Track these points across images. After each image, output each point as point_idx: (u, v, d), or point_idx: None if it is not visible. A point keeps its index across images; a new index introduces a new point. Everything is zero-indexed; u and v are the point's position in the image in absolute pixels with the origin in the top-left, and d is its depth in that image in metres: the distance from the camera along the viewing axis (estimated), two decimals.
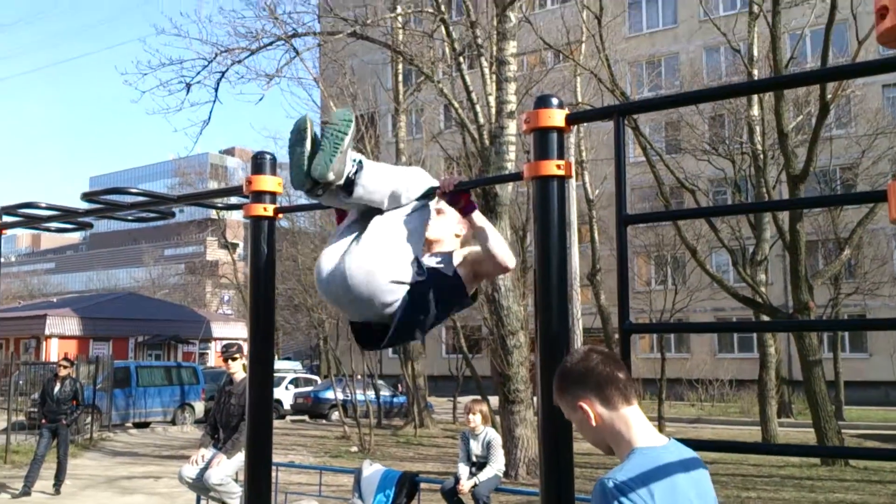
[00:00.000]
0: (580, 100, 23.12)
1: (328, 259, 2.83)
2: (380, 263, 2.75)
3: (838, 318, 25.87)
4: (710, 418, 25.97)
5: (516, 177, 3.05)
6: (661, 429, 19.57)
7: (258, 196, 3.53)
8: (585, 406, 1.97)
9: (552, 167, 2.75)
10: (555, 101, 2.82)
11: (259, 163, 3.59)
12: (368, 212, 2.93)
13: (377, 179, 2.86)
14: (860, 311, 29.33)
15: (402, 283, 2.77)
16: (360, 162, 2.87)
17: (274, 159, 3.64)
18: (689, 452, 1.99)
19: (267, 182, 3.54)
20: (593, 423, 1.97)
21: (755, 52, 18.49)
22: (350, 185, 2.82)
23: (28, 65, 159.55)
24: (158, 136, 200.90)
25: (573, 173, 2.81)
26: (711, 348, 34.92)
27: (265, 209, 3.50)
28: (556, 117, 2.77)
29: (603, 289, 23.51)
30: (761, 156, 18.09)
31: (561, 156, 2.80)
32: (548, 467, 2.72)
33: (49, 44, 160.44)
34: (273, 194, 3.56)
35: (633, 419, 1.98)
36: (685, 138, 25.99)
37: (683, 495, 1.83)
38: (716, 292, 21.23)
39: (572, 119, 2.83)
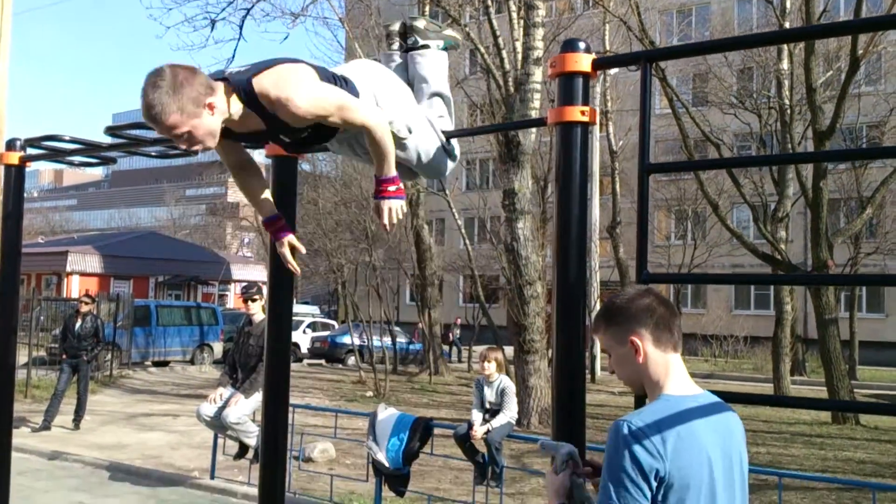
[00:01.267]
0: (608, 48, 22.75)
1: None
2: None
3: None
4: (723, 374, 26.05)
5: (539, 122, 3.01)
6: None
7: None
8: (637, 340, 1.96)
9: (576, 113, 2.70)
10: (582, 45, 2.75)
11: None
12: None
13: (439, 70, 3.18)
14: (879, 270, 29.08)
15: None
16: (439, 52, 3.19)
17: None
18: (719, 405, 1.97)
19: None
20: (640, 360, 1.96)
21: (787, 4, 18.05)
22: (415, 48, 3.11)
23: None
24: None
25: (597, 121, 2.76)
26: (728, 304, 34.87)
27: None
28: (582, 62, 2.71)
29: (622, 241, 23.40)
30: (788, 111, 17.79)
31: (586, 102, 2.74)
32: (560, 417, 2.72)
33: None
34: None
35: (674, 366, 1.97)
36: (712, 91, 25.55)
37: (699, 446, 1.82)
38: (735, 248, 21.10)
39: (599, 64, 2.76)
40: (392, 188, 2.65)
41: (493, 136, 14.75)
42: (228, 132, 2.57)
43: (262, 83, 2.40)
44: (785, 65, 17.98)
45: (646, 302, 1.99)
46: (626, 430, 1.80)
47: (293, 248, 2.87)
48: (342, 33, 23.87)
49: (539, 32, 12.29)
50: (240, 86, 2.41)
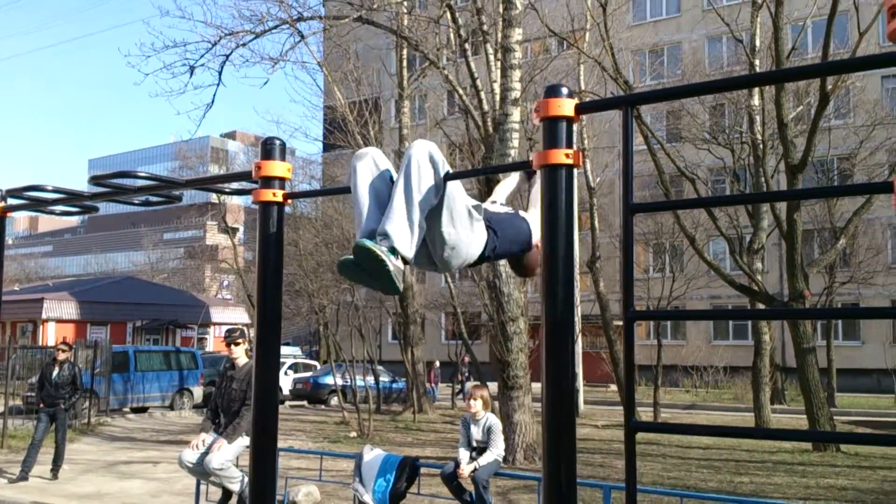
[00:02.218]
0: (583, 87, 23.11)
1: None
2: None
3: (832, 306, 26.02)
4: (704, 404, 26.16)
5: (525, 165, 3.08)
6: (655, 415, 19.64)
7: (267, 181, 3.53)
8: None
9: (561, 156, 2.78)
10: (564, 90, 2.84)
11: (269, 148, 3.60)
12: None
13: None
14: (854, 299, 29.48)
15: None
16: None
17: (283, 145, 3.65)
18: None
19: (277, 167, 3.55)
20: None
21: (757, 43, 18.48)
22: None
23: (29, 45, 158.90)
24: (159, 119, 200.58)
25: (581, 162, 2.84)
26: (707, 335, 35.09)
27: (274, 195, 3.51)
28: (565, 107, 2.79)
29: (602, 276, 23.56)
30: (761, 145, 18.12)
31: (570, 145, 2.83)
32: (551, 452, 2.75)
33: (50, 24, 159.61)
34: (282, 180, 3.57)
35: None
36: (686, 127, 26.00)
37: None
38: (712, 280, 21.32)
39: (582, 109, 2.85)
40: None
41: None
42: None
43: None
44: (756, 101, 18.36)
45: None
46: None
47: None
48: (321, 77, 24.06)
49: (516, 74, 12.51)
50: None
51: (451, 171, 3.03)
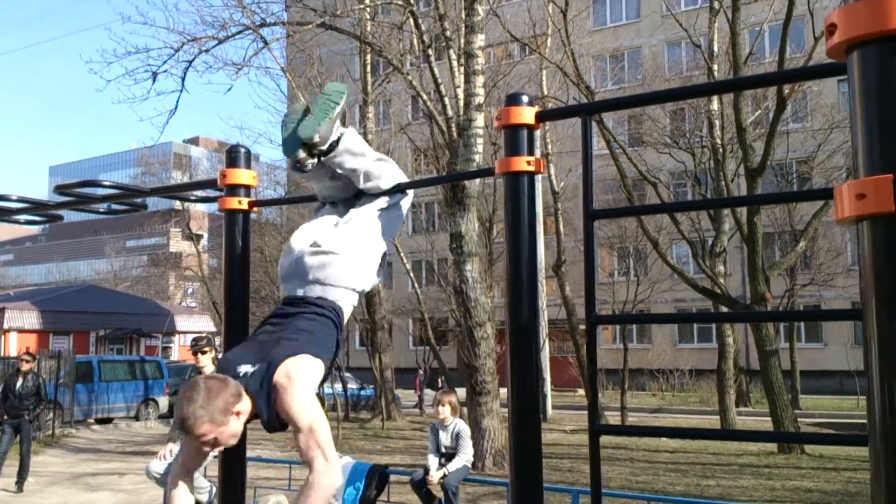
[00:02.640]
0: (545, 92, 23.31)
1: (303, 234, 3.02)
2: (354, 256, 2.95)
3: (794, 308, 26.45)
4: (670, 408, 26.43)
5: (488, 172, 3.14)
6: (623, 419, 19.77)
7: (233, 189, 3.56)
8: None
9: (523, 163, 2.84)
10: (525, 98, 2.90)
11: (234, 156, 3.62)
12: (343, 202, 3.13)
13: (360, 145, 3.04)
14: (815, 301, 29.97)
15: (355, 290, 3.01)
16: (345, 131, 3.02)
17: (248, 152, 3.68)
18: None
19: (242, 175, 3.58)
20: None
21: (715, 48, 18.80)
22: (333, 148, 2.95)
23: None
24: (120, 125, 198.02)
25: (543, 168, 2.90)
26: (672, 338, 35.45)
27: (240, 202, 3.54)
28: (526, 115, 2.85)
29: (568, 280, 23.75)
30: (720, 149, 18.43)
31: (531, 152, 2.89)
32: (517, 457, 2.81)
33: (8, 31, 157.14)
34: (248, 187, 3.60)
35: None
36: (647, 132, 26.30)
37: None
38: (676, 283, 21.58)
39: (542, 117, 2.92)
40: None
41: None
42: None
43: (278, 376, 2.61)
44: (715, 105, 18.66)
45: None
46: None
47: None
48: (284, 82, 23.97)
49: (479, 80, 12.60)
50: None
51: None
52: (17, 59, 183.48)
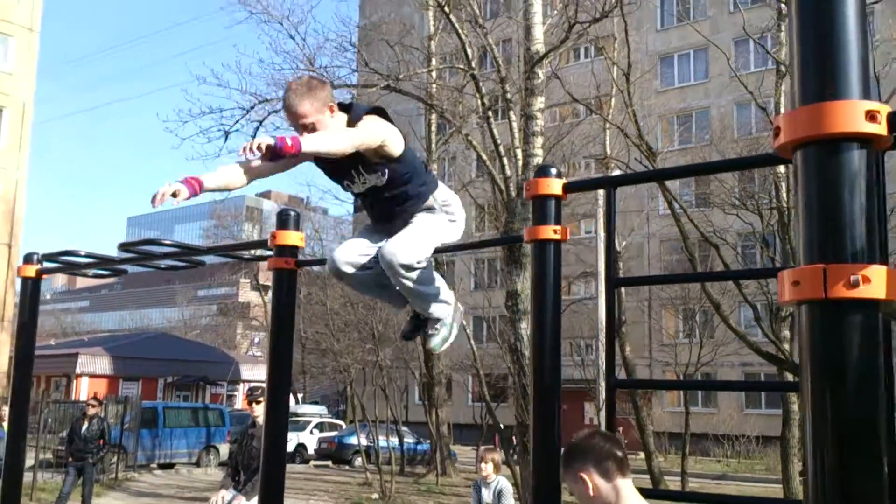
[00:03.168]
0: (608, 152, 23.38)
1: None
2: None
3: None
4: (735, 475, 25.60)
5: (517, 239, 3.29)
6: (683, 484, 19.24)
7: (281, 250, 3.78)
8: (585, 477, 2.27)
9: (549, 231, 2.99)
10: (553, 171, 3.06)
11: (283, 219, 3.86)
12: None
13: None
14: None
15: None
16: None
17: (297, 216, 3.92)
18: None
19: (290, 237, 3.80)
20: (591, 493, 2.27)
21: (781, 110, 18.67)
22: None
23: (72, 107, 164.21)
24: None
25: (568, 237, 3.04)
26: (739, 403, 34.45)
27: (286, 262, 3.76)
28: (553, 186, 3.01)
29: (628, 340, 23.45)
30: (787, 211, 18.14)
31: (558, 221, 3.04)
32: None
33: (96, 86, 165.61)
34: (295, 248, 3.82)
35: (625, 490, 2.25)
36: (714, 192, 26.04)
37: None
38: (742, 346, 21.09)
39: (569, 188, 3.07)
40: (289, 142, 2.78)
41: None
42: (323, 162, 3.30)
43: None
44: (782, 168, 18.45)
45: (590, 442, 2.34)
46: None
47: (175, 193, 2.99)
48: None
49: (538, 140, 12.82)
50: (357, 111, 3.19)
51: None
52: (100, 116, 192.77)
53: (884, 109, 1.21)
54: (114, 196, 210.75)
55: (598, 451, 2.32)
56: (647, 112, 26.14)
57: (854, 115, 1.16)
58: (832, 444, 1.10)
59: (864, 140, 1.17)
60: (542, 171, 3.07)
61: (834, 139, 1.15)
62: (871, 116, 1.18)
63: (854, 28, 1.18)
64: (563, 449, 2.50)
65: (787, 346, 16.65)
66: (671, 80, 39.36)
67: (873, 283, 1.10)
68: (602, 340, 20.99)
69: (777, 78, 18.44)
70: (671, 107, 37.45)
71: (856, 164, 1.16)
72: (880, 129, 1.18)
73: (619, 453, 2.35)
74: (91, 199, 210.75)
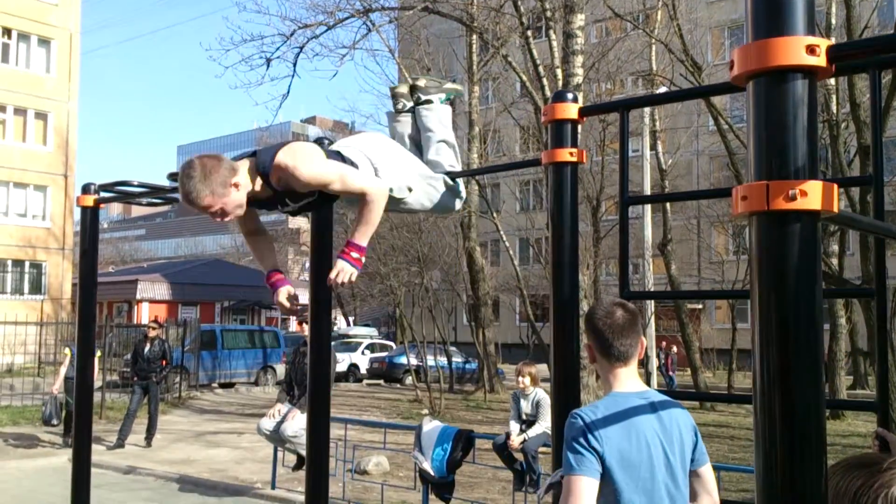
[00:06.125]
0: (654, 69, 22.96)
1: None
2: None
3: None
4: None
5: (535, 162, 3.46)
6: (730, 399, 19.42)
7: None
8: (592, 348, 2.51)
9: (566, 154, 3.15)
10: (570, 95, 3.20)
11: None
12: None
13: (448, 119, 3.65)
14: None
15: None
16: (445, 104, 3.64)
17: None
18: (665, 402, 2.38)
19: None
20: (594, 363, 2.53)
21: (833, 21, 18.10)
22: (428, 102, 3.56)
23: (117, 37, 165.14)
24: (242, 106, 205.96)
25: (584, 159, 3.19)
26: None
27: None
28: (570, 110, 3.16)
29: (674, 259, 23.48)
30: (836, 125, 17.78)
31: (574, 144, 3.19)
32: (558, 419, 3.13)
33: (143, 14, 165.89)
34: None
35: (623, 376, 2.39)
36: None
37: (637, 432, 2.24)
38: None
39: (584, 112, 3.21)
40: (355, 255, 2.92)
41: None
42: (248, 201, 3.01)
43: (280, 158, 2.86)
44: (832, 81, 17.98)
45: (606, 321, 2.44)
46: (578, 423, 2.23)
47: (290, 297, 3.22)
48: (391, 65, 24.58)
49: (579, 59, 12.70)
50: (263, 163, 2.89)
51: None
52: (147, 43, 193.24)
53: (823, 43, 1.35)
54: (165, 125, 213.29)
55: (607, 331, 2.44)
56: (694, 25, 25.45)
57: (796, 48, 1.31)
58: (777, 341, 1.28)
59: (806, 71, 1.32)
60: (559, 97, 3.21)
61: (780, 70, 1.31)
62: (811, 50, 1.33)
63: None
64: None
65: (834, 262, 16.55)
66: None
67: (810, 195, 1.27)
68: (649, 260, 21.07)
69: None
70: (721, 18, 36.28)
71: (799, 92, 1.32)
72: (820, 60, 1.33)
73: (629, 340, 2.43)
74: (141, 129, 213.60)
